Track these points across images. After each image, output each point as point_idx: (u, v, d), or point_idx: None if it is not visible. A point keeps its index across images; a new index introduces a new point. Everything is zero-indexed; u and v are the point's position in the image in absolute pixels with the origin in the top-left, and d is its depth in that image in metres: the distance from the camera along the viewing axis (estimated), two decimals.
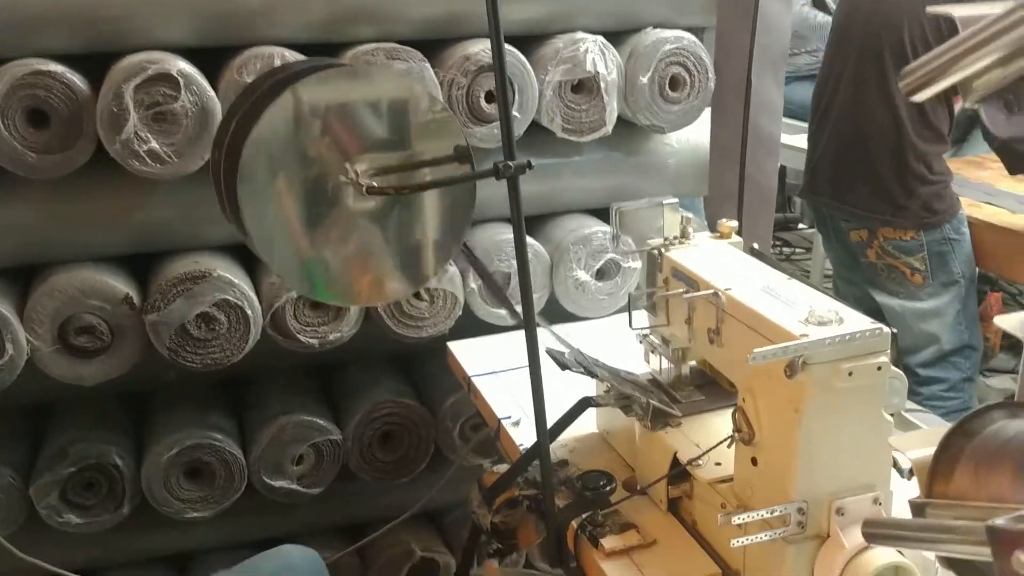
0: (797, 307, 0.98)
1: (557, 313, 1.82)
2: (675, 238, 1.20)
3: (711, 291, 1.06)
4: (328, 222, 0.99)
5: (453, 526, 2.00)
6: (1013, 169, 1.99)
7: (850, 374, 0.92)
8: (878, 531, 0.80)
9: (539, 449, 1.16)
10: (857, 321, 0.94)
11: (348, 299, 1.10)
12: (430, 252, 1.10)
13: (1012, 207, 2.21)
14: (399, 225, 1.06)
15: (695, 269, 1.12)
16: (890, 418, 0.96)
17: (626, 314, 1.87)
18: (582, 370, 1.20)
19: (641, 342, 1.27)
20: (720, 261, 1.14)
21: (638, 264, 1.80)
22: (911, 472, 1.00)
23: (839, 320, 0.94)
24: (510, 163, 0.95)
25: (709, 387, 1.26)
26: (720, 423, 1.20)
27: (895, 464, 0.99)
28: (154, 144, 1.50)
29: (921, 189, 1.96)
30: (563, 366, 1.21)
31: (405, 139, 1.04)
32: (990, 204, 2.25)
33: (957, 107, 1.95)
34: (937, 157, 1.98)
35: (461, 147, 1.06)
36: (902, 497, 1.00)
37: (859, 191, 2.00)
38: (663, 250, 1.19)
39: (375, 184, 0.97)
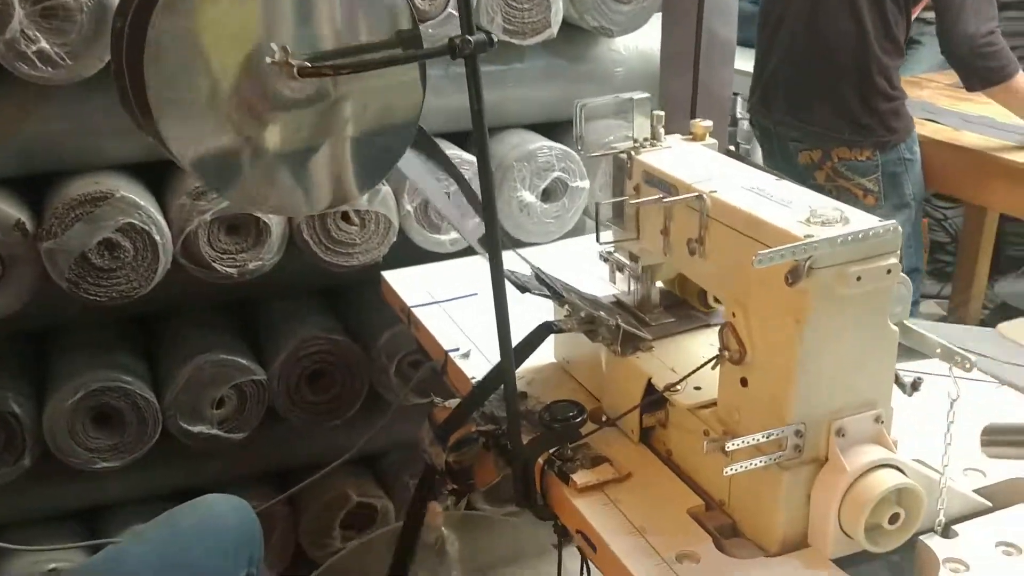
0: (795, 207, 0.88)
1: None
2: (645, 140, 1.07)
3: (693, 195, 0.94)
4: (252, 111, 0.83)
5: (391, 469, 1.88)
6: (974, 83, 1.89)
7: (858, 279, 0.82)
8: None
9: (500, 378, 1.04)
10: (863, 219, 0.84)
11: (267, 205, 0.95)
12: (368, 158, 0.96)
13: (956, 124, 2.17)
14: (335, 122, 0.91)
15: (672, 172, 1.00)
16: (895, 328, 0.87)
17: (575, 239, 1.78)
18: (546, 292, 1.08)
19: (606, 260, 1.15)
20: (698, 163, 1.03)
21: (586, 184, 1.68)
22: (914, 386, 0.91)
23: (844, 220, 0.84)
24: (469, 38, 0.80)
25: (678, 308, 1.16)
26: (694, 345, 1.09)
27: (897, 379, 0.90)
28: (44, 44, 1.30)
29: (882, 106, 1.89)
30: (523, 289, 1.09)
31: (343, 19, 0.89)
32: (933, 122, 2.21)
33: (914, 16, 1.88)
34: (896, 72, 1.90)
35: (407, 30, 0.92)
36: (903, 415, 0.92)
37: (817, 108, 1.91)
38: (633, 153, 1.06)
39: (308, 65, 0.82)
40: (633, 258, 1.12)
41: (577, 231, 1.78)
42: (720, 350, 0.92)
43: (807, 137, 1.99)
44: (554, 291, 1.06)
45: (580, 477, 0.99)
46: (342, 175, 0.95)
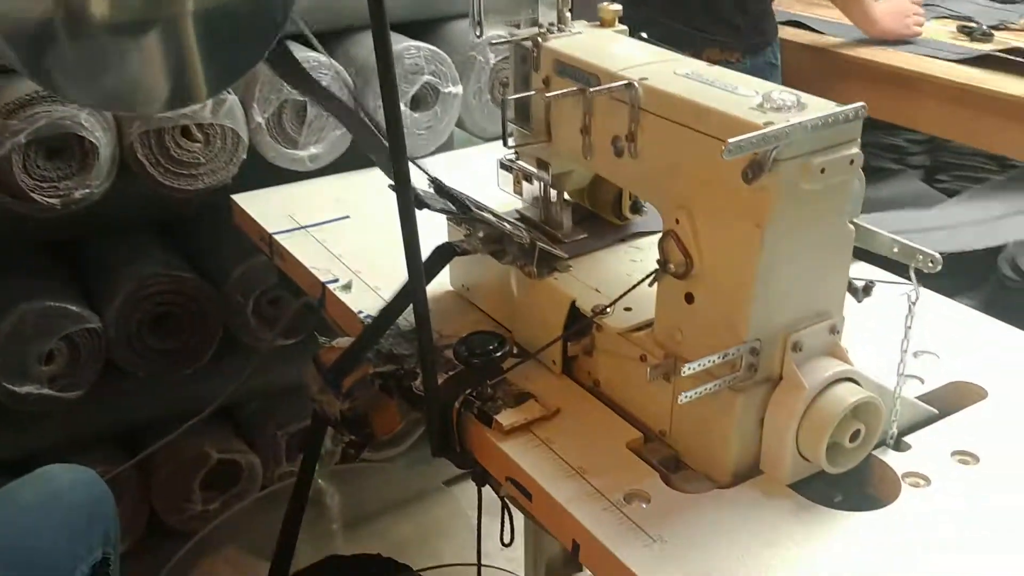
0: (743, 93, 0.77)
1: (361, 156, 1.52)
2: (552, 25, 0.93)
3: (621, 83, 0.82)
4: None
5: (253, 421, 1.71)
6: None
7: (823, 171, 0.72)
8: None
9: (401, 308, 0.90)
10: (821, 104, 0.74)
11: (93, 94, 0.75)
12: (218, 49, 0.77)
13: (818, 27, 2.15)
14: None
15: (591, 59, 0.87)
16: (852, 227, 0.79)
17: (450, 153, 1.63)
18: (448, 207, 0.93)
19: (509, 169, 1.02)
20: (619, 50, 0.90)
21: (459, 90, 1.52)
22: (865, 291, 0.84)
23: (800, 105, 0.74)
24: None
25: (591, 222, 1.04)
26: (613, 262, 0.98)
27: (848, 284, 0.82)
28: None
29: (753, 6, 1.82)
30: (420, 204, 0.93)
31: None
32: (796, 25, 2.18)
33: None
34: None
35: None
36: (853, 324, 0.85)
37: (690, 6, 1.82)
38: (540, 40, 0.92)
39: None
40: (542, 165, 0.98)
41: (447, 147, 1.63)
42: (660, 263, 0.81)
43: (678, 37, 1.89)
44: (460, 204, 0.92)
45: (504, 417, 0.86)
46: (185, 66, 0.76)
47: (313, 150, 1.45)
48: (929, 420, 0.88)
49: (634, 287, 0.84)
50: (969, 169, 2.56)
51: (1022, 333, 1.01)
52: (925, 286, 0.89)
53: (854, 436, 0.78)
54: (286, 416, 1.66)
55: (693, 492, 0.79)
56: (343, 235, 1.25)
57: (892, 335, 0.93)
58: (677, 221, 0.79)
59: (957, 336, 1.00)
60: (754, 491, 0.79)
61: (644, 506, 0.78)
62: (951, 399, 0.91)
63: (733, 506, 0.77)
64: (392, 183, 0.97)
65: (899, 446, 0.84)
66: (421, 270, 0.80)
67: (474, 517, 1.49)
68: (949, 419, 0.88)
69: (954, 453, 0.83)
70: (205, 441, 1.59)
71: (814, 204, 0.74)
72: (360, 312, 1.07)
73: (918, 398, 0.90)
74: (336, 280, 1.14)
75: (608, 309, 0.88)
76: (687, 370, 0.74)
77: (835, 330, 0.81)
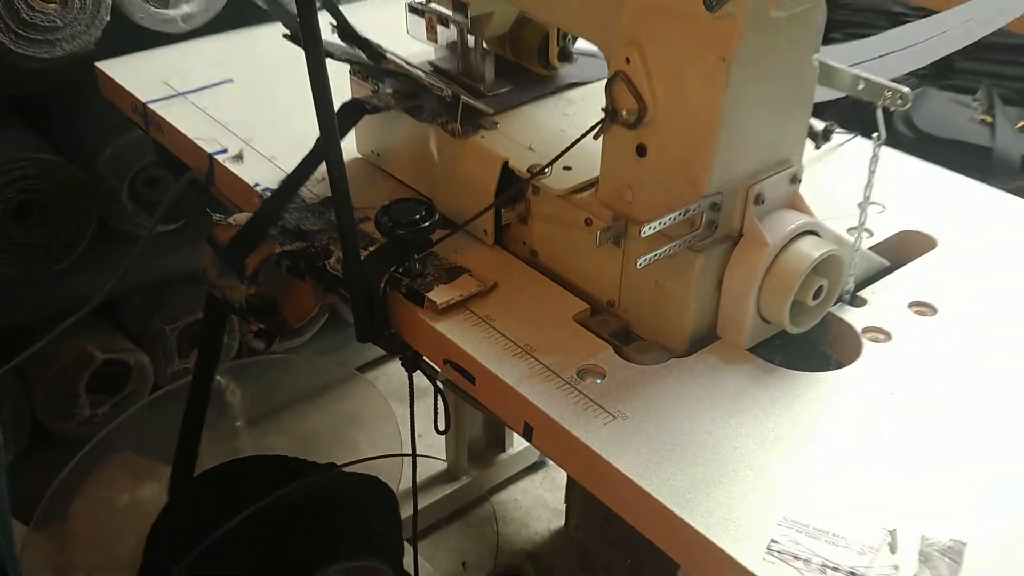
0: None
1: (240, 14, 1.35)
2: None
3: None
4: None
5: (137, 316, 1.56)
6: None
7: None
8: None
9: (308, 172, 0.79)
10: None
11: None
12: None
13: None
14: None
15: None
16: (816, 63, 0.71)
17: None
18: (358, 53, 0.81)
19: (420, 12, 0.89)
20: None
21: None
22: (825, 135, 0.78)
23: None
24: None
25: (514, 74, 0.94)
26: (545, 117, 0.89)
27: (809, 128, 0.75)
28: None
29: None
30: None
31: None
32: None
33: None
34: None
35: None
36: (814, 173, 0.79)
37: None
38: None
39: None
40: (458, 6, 0.87)
41: None
42: (608, 112, 0.72)
43: None
44: (372, 51, 0.80)
45: (437, 295, 0.78)
46: None
47: (186, 8, 1.28)
48: (882, 272, 0.84)
49: (577, 141, 0.75)
50: (861, 26, 2.54)
51: (966, 180, 0.98)
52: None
53: (817, 293, 0.73)
54: (174, 310, 1.53)
55: (649, 364, 0.73)
56: (228, 101, 1.11)
57: (829, 187, 0.89)
58: (627, 60, 0.70)
59: (901, 186, 0.96)
60: (713, 358, 0.74)
61: (599, 382, 0.71)
62: (901, 250, 0.88)
63: (693, 376, 0.72)
64: (287, 33, 0.84)
65: (855, 301, 0.80)
66: (334, 125, 0.69)
67: (391, 405, 1.42)
68: (901, 271, 0.84)
69: (911, 304, 0.80)
70: (87, 341, 1.45)
71: (781, 36, 0.66)
72: (257, 185, 0.95)
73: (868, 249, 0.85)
74: (225, 151, 1.01)
75: (546, 169, 0.79)
76: (647, 230, 0.67)
77: (796, 179, 0.74)
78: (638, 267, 0.68)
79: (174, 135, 1.07)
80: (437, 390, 0.88)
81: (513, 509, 1.59)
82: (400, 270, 0.79)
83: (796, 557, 0.57)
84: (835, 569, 0.56)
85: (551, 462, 1.71)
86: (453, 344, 0.75)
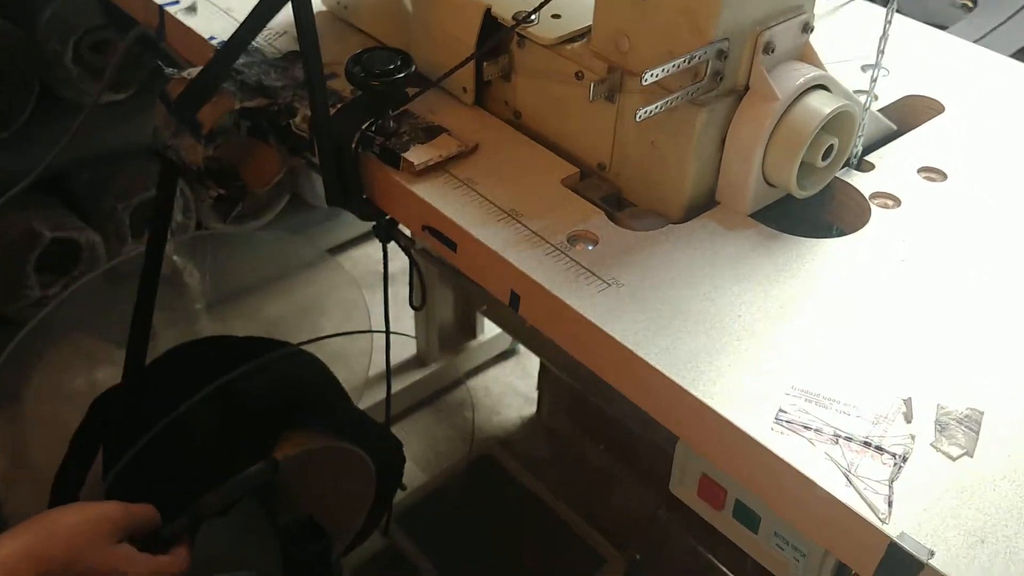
0: None
1: None
2: None
3: None
4: None
5: (86, 192, 1.48)
6: None
7: None
8: None
9: (268, 16, 0.71)
10: None
11: None
12: None
13: None
14: None
15: None
16: None
17: None
18: None
19: None
20: None
21: None
22: None
23: None
24: None
25: None
26: None
27: None
28: None
29: None
30: None
31: None
32: None
33: None
34: None
35: None
36: (825, 30, 0.73)
37: None
38: None
39: None
40: None
41: None
42: None
43: None
44: None
45: (414, 155, 0.71)
46: None
47: None
48: (889, 137, 0.79)
49: None
50: None
51: (972, 46, 0.92)
52: None
53: (826, 153, 0.68)
54: (127, 186, 1.44)
55: (643, 230, 0.68)
56: None
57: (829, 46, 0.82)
58: None
59: (907, 50, 0.90)
60: (712, 223, 0.69)
61: (591, 248, 0.66)
62: (907, 115, 0.82)
63: (691, 242, 0.67)
64: None
65: (862, 166, 0.75)
66: None
67: (358, 289, 1.36)
68: (909, 136, 0.79)
69: (920, 170, 0.75)
70: (33, 218, 1.36)
71: None
72: (212, 39, 0.86)
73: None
74: (176, 2, 0.92)
75: (533, 16, 0.72)
76: (649, 76, 0.61)
77: (808, 28, 0.68)
78: (637, 120, 0.62)
79: None
80: (412, 262, 0.83)
81: (484, 396, 1.57)
82: (373, 128, 0.72)
83: (806, 427, 0.53)
84: (848, 439, 0.53)
85: (523, 349, 1.67)
86: (432, 208, 0.69)
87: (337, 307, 1.48)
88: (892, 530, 0.48)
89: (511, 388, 1.58)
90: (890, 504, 0.49)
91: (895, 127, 0.79)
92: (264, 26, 0.74)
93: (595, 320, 0.60)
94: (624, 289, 0.62)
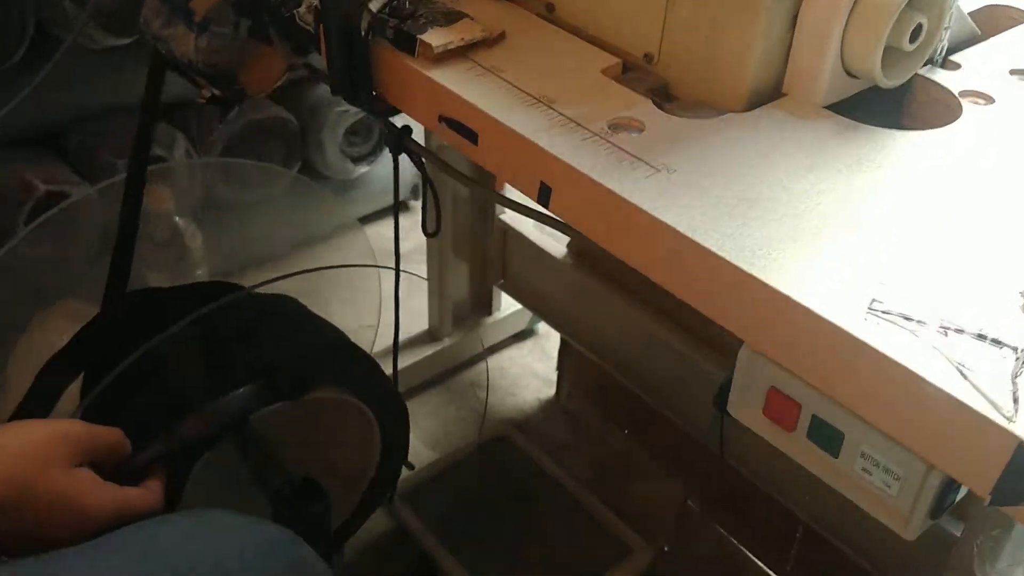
0: None
1: None
2: None
3: None
4: None
5: (81, 147, 1.39)
6: None
7: None
8: None
9: None
10: None
11: None
12: None
13: None
14: None
15: None
16: None
17: None
18: None
19: None
20: None
21: None
22: None
23: None
24: None
25: None
26: None
27: None
28: None
29: None
30: None
31: None
32: None
33: None
34: None
35: None
36: None
37: None
38: None
39: None
40: None
41: None
42: None
43: None
44: None
45: (433, 37, 0.62)
46: None
47: None
48: (973, 40, 0.69)
49: None
50: None
51: None
52: None
53: (914, 34, 0.59)
54: (125, 142, 1.35)
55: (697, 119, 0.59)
56: None
57: None
58: None
59: None
60: (780, 112, 0.59)
61: (636, 135, 0.56)
62: (990, 22, 0.73)
63: (758, 128, 0.57)
64: None
65: (947, 65, 0.65)
66: None
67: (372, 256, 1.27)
68: (995, 39, 0.70)
69: (1013, 72, 0.65)
70: (26, 170, 1.28)
71: None
72: None
73: None
74: None
75: None
76: None
77: None
78: None
79: None
80: (426, 180, 0.73)
81: (500, 377, 1.46)
82: (387, 10, 0.63)
83: (907, 318, 0.43)
84: (959, 331, 0.43)
85: (542, 331, 1.57)
86: (450, 94, 0.60)
87: (351, 283, 1.39)
88: (1021, 430, 0.38)
89: (529, 370, 1.48)
90: (1016, 401, 0.39)
91: (979, 32, 0.70)
92: None
93: (643, 205, 0.50)
94: (677, 175, 0.53)
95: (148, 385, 0.74)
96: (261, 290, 0.90)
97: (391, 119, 0.69)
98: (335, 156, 1.55)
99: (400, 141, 0.69)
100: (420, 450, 1.32)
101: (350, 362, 0.87)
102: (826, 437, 0.46)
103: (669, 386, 1.14)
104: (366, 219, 1.74)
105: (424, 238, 1.36)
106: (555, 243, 1.26)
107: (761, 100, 0.60)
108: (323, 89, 1.55)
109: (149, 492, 0.61)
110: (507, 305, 1.47)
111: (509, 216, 1.30)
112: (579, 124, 0.57)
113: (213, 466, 0.79)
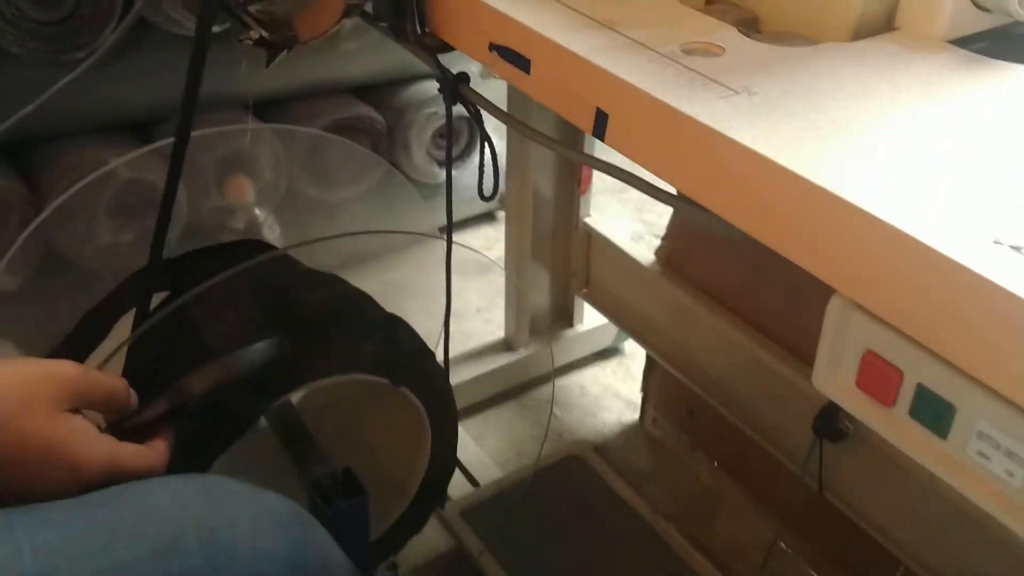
0: None
1: None
2: None
3: None
4: None
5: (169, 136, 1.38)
6: None
7: None
8: None
9: None
10: None
11: None
12: None
13: None
14: None
15: None
16: None
17: None
18: None
19: None
20: None
21: None
22: None
23: None
24: None
25: None
26: None
27: None
28: None
29: None
30: None
31: None
32: None
33: None
34: None
35: None
36: None
37: None
38: None
39: None
40: None
41: None
42: None
43: None
44: None
45: None
46: None
47: None
48: None
49: None
50: None
51: None
52: None
53: None
54: (218, 142, 1.34)
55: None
56: None
57: None
58: None
59: None
60: (891, 44, 0.49)
61: (713, 59, 0.48)
62: None
63: (864, 58, 0.48)
64: None
65: None
66: None
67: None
68: None
69: None
70: (109, 156, 1.27)
71: None
72: None
73: None
74: None
75: None
76: None
77: None
78: None
79: None
80: (483, 136, 0.66)
81: (579, 396, 1.37)
82: None
83: None
84: None
85: (628, 350, 1.47)
86: (502, 17, 0.52)
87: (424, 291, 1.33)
88: None
89: (611, 390, 1.38)
90: None
91: None
92: None
93: (714, 124, 0.41)
94: (759, 98, 0.44)
95: (189, 343, 0.69)
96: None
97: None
98: (421, 158, 1.50)
99: (456, 88, 0.62)
100: (487, 467, 1.23)
101: (400, 348, 0.79)
102: (933, 412, 0.36)
103: (764, 411, 1.03)
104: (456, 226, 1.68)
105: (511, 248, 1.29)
106: (645, 250, 1.17)
107: (868, 33, 0.51)
108: (412, 90, 1.51)
109: (151, 450, 0.55)
110: (591, 317, 1.38)
111: (594, 220, 1.22)
112: (645, 46, 0.48)
113: (250, 455, 0.73)
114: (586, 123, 0.48)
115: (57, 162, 1.26)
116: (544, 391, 1.37)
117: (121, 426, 0.56)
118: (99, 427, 0.55)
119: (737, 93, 0.44)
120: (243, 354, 0.60)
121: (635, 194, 1.72)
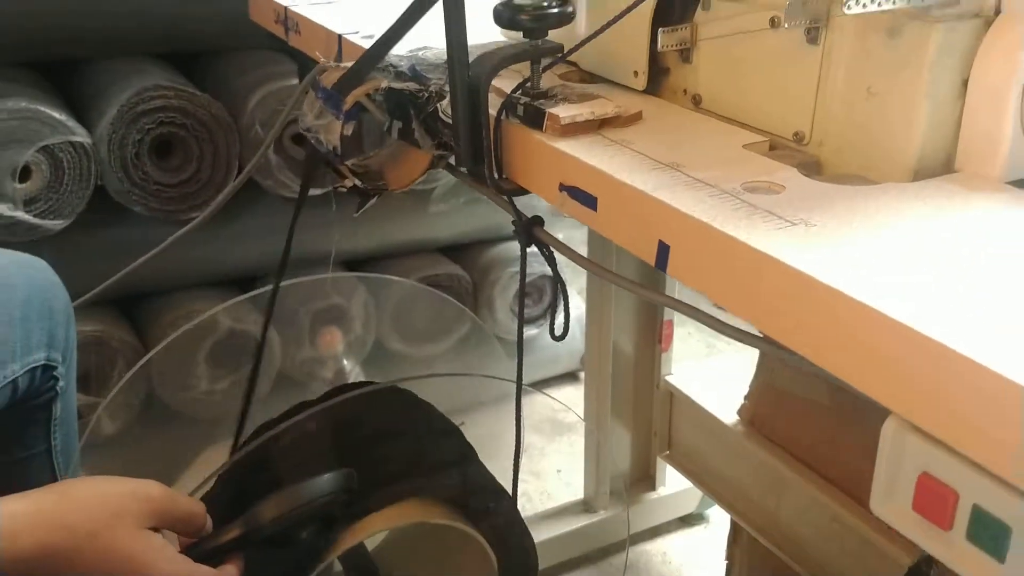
0: None
1: None
2: None
3: None
4: None
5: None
6: None
7: None
8: None
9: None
10: None
11: None
12: None
13: None
14: None
15: None
16: None
17: None
18: None
19: None
20: None
21: None
22: None
23: None
24: None
25: None
26: None
27: None
28: None
29: None
30: None
31: None
32: None
33: None
34: None
35: None
36: None
37: None
38: None
39: None
40: None
41: None
42: None
43: None
44: None
45: (562, 110, 0.59)
46: None
47: None
48: None
49: None
50: None
51: None
52: None
53: None
54: (311, 290, 1.41)
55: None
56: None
57: None
58: None
59: None
60: (949, 185, 0.51)
61: (773, 196, 0.49)
62: None
63: (920, 196, 0.49)
64: None
65: None
66: None
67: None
68: None
69: None
70: (214, 306, 1.35)
71: None
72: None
73: None
74: (356, 32, 0.89)
75: None
76: (852, 4, 0.46)
77: None
78: (846, 10, 0.47)
79: (308, 28, 0.96)
80: (557, 279, 0.68)
81: (660, 563, 1.32)
82: (519, 90, 0.62)
83: None
84: None
85: (715, 517, 1.42)
86: (572, 160, 0.56)
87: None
88: None
89: (695, 559, 1.32)
90: None
91: None
92: (420, 16, 0.67)
93: (771, 251, 0.43)
94: (817, 230, 0.45)
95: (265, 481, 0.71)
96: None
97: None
98: (505, 315, 1.54)
99: (530, 230, 0.65)
100: None
101: (482, 491, 0.80)
102: (990, 535, 0.34)
103: None
104: (531, 387, 1.69)
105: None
106: (729, 410, 1.15)
107: (929, 175, 0.52)
108: (497, 249, 1.57)
109: (222, 575, 0.56)
110: (672, 478, 1.35)
111: (677, 378, 1.22)
112: (707, 184, 0.51)
113: None
114: (649, 255, 0.50)
115: (165, 314, 1.34)
116: (624, 558, 1.32)
117: (197, 548, 0.57)
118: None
119: (794, 224, 0.45)
120: (311, 484, 0.61)
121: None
